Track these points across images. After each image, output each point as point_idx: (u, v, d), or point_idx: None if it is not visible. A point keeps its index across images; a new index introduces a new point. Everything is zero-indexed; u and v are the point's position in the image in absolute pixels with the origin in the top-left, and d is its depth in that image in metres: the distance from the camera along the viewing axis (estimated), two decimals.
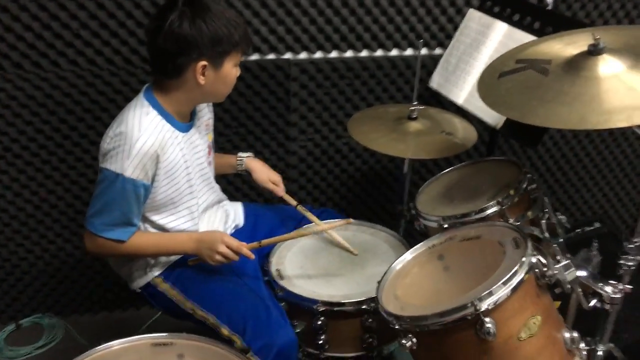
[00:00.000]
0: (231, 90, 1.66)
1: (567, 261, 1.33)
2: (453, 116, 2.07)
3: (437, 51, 2.36)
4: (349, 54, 2.32)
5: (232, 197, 2.04)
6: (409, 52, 2.37)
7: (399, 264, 1.53)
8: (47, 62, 2.08)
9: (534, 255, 1.28)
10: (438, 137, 1.92)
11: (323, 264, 1.83)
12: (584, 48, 1.37)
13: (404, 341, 1.31)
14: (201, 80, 1.54)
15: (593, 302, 1.41)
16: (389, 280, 1.50)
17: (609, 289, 1.40)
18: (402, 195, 2.22)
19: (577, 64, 1.35)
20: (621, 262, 1.47)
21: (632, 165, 2.82)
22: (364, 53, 2.34)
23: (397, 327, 1.33)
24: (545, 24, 1.87)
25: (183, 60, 1.51)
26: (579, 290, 1.38)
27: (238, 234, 1.89)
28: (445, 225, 1.63)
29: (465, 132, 1.96)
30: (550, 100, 1.30)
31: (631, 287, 1.42)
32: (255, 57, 2.25)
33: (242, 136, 2.36)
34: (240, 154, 2.00)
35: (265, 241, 1.70)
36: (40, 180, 2.25)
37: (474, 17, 2.14)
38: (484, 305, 1.21)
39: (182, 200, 1.68)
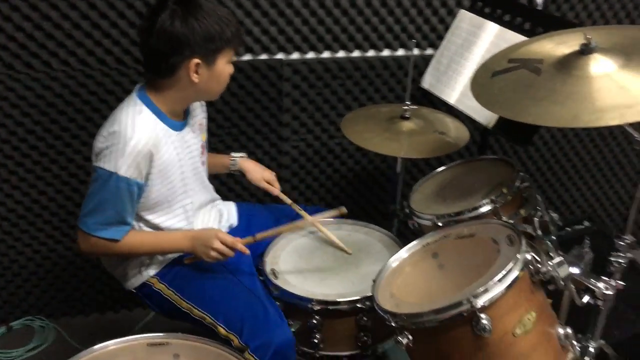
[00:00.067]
0: (225, 89, 1.66)
1: (561, 258, 1.34)
2: (445, 116, 2.09)
3: (429, 51, 2.38)
4: (341, 54, 2.33)
5: (225, 198, 2.03)
6: (400, 52, 2.39)
7: (394, 261, 1.54)
8: (39, 62, 2.06)
9: (528, 252, 1.30)
10: (431, 137, 1.93)
11: (317, 263, 1.83)
12: (576, 48, 1.39)
13: (400, 338, 1.31)
14: (195, 78, 1.54)
15: (586, 299, 1.43)
16: (385, 278, 1.51)
17: (601, 285, 1.41)
18: (395, 195, 2.24)
19: (569, 63, 1.37)
20: (612, 259, 1.49)
21: (620, 165, 2.86)
22: (356, 53, 2.35)
23: (393, 324, 1.33)
24: (536, 24, 1.89)
25: (176, 59, 1.51)
26: (572, 286, 1.39)
27: (232, 233, 1.87)
28: (440, 224, 1.64)
29: (457, 132, 1.98)
30: (543, 99, 1.31)
31: (623, 283, 1.44)
32: (247, 57, 2.25)
33: (234, 136, 2.36)
34: (233, 154, 2.00)
35: (259, 235, 1.71)
36: (32, 181, 2.24)
37: (465, 18, 2.16)
38: (480, 302, 1.22)
39: (176, 199, 1.68)
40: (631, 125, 1.37)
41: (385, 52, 2.37)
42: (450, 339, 1.28)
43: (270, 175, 1.98)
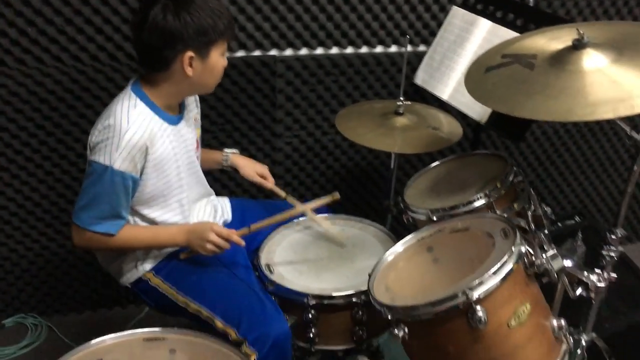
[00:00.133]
0: (219, 82, 1.66)
1: (554, 251, 1.36)
2: (438, 111, 2.10)
3: (421, 48, 2.39)
4: (334, 50, 2.34)
5: (218, 194, 2.03)
6: (393, 48, 2.40)
7: (389, 255, 1.55)
8: (31, 58, 2.05)
9: (523, 244, 1.31)
10: (424, 132, 1.94)
11: (312, 258, 1.84)
12: (568, 43, 1.40)
13: (396, 331, 1.32)
14: (189, 71, 1.54)
15: (579, 291, 1.45)
16: (380, 272, 1.51)
17: (594, 277, 1.43)
18: (389, 191, 2.24)
19: (562, 59, 1.39)
20: (604, 252, 1.51)
21: (611, 161, 2.89)
22: (349, 50, 2.35)
23: (389, 317, 1.34)
24: (528, 20, 1.91)
25: (169, 52, 1.51)
26: (565, 279, 1.41)
27: (227, 228, 1.89)
28: (434, 218, 1.65)
29: (450, 127, 1.99)
30: (537, 94, 1.33)
31: (615, 275, 1.46)
32: (240, 53, 2.25)
33: (228, 133, 2.36)
34: (225, 149, 2.00)
35: (254, 225, 1.71)
36: (24, 178, 2.23)
37: (458, 14, 2.17)
38: (475, 294, 1.23)
39: (171, 193, 1.67)
40: (623, 119, 1.39)
41: (378, 49, 2.38)
42: (446, 331, 1.29)
43: (263, 169, 1.99)
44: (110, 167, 1.49)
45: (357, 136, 1.92)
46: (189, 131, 1.73)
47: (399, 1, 2.31)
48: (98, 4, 2.03)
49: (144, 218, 1.66)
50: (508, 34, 1.90)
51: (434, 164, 1.97)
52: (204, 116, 1.97)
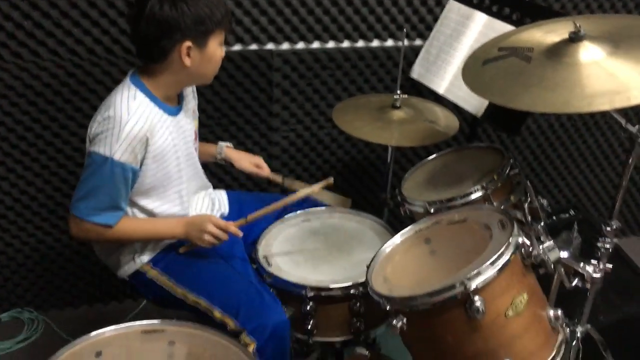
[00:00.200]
0: (217, 72, 1.66)
1: (551, 242, 1.37)
2: (435, 105, 2.11)
3: (418, 42, 2.40)
4: (330, 44, 2.34)
5: (215, 188, 2.03)
6: (390, 43, 2.40)
7: (387, 247, 1.56)
8: (27, 51, 2.05)
9: (520, 235, 1.32)
10: (421, 125, 1.95)
11: (310, 251, 1.84)
12: (565, 36, 1.41)
13: (394, 322, 1.33)
14: (187, 61, 1.54)
15: (575, 282, 1.46)
16: (378, 263, 1.52)
17: (590, 268, 1.44)
18: (385, 184, 2.25)
19: (559, 51, 1.39)
20: (599, 244, 1.52)
21: (605, 155, 2.90)
22: (346, 44, 2.36)
23: (387, 308, 1.35)
24: (524, 14, 1.92)
25: (167, 42, 1.51)
26: (562, 270, 1.42)
27: None
28: (432, 210, 1.66)
29: (447, 121, 2.00)
30: (534, 86, 1.33)
31: (611, 265, 1.47)
32: (237, 47, 2.25)
33: (224, 127, 2.36)
34: (220, 143, 2.01)
35: (251, 216, 1.72)
36: (20, 172, 2.22)
37: (454, 8, 2.18)
38: (473, 284, 1.24)
39: (171, 184, 1.68)
40: (618, 112, 1.40)
41: (375, 43, 2.39)
42: (444, 321, 1.30)
43: (257, 159, 2.00)
44: (110, 158, 1.49)
45: (354, 129, 1.93)
46: (187, 122, 1.73)
47: None
48: None
49: (142, 209, 1.66)
50: (504, 27, 1.90)
51: (431, 157, 1.98)
52: (200, 110, 1.97)
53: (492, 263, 1.27)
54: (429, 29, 2.31)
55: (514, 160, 1.71)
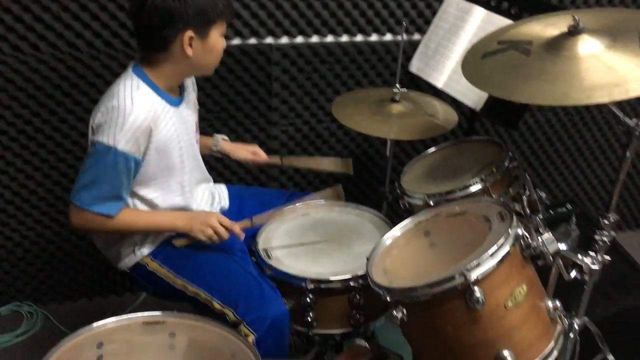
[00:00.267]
0: (218, 63, 1.67)
1: (549, 234, 1.38)
2: (433, 99, 2.12)
3: (416, 36, 2.40)
4: (329, 38, 2.35)
5: (214, 182, 2.04)
6: (388, 37, 2.41)
7: (387, 239, 1.57)
8: (27, 44, 2.05)
9: (519, 227, 1.33)
10: (420, 119, 1.96)
11: (309, 244, 1.85)
12: (564, 29, 1.42)
13: (395, 313, 1.34)
14: (189, 51, 1.55)
15: (573, 274, 1.47)
16: (378, 255, 1.53)
17: (588, 260, 1.45)
18: (384, 178, 2.26)
19: (558, 44, 1.40)
20: (596, 237, 1.53)
21: (602, 150, 2.92)
22: (345, 38, 2.36)
23: (388, 299, 1.36)
24: (522, 9, 1.92)
25: (169, 32, 1.51)
26: (560, 262, 1.43)
27: (224, 215, 1.90)
28: (431, 203, 1.67)
29: (446, 114, 2.01)
30: (533, 79, 1.34)
31: (609, 258, 1.48)
32: (237, 41, 2.25)
33: (223, 121, 2.37)
34: (215, 135, 2.02)
35: (256, 218, 1.75)
36: (19, 165, 2.23)
37: (452, 3, 2.18)
38: (473, 275, 1.25)
39: (173, 174, 1.68)
40: (616, 105, 1.41)
41: (374, 37, 2.39)
42: (444, 312, 1.31)
43: (253, 146, 2.02)
44: (113, 147, 1.50)
45: (353, 123, 1.94)
46: (189, 114, 1.73)
47: None
48: None
49: (143, 200, 1.67)
50: (502, 22, 1.91)
51: (430, 150, 1.99)
52: (199, 104, 1.97)
53: (492, 254, 1.27)
54: (428, 23, 2.32)
55: (512, 154, 1.72)
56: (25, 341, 2.34)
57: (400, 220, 1.62)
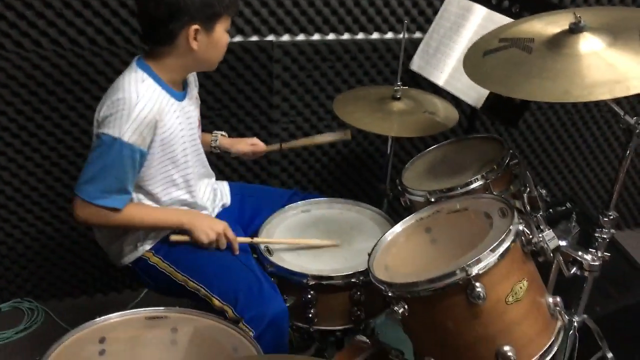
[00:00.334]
0: (222, 58, 1.68)
1: (550, 231, 1.39)
2: (434, 97, 2.13)
3: (417, 35, 2.41)
4: (331, 36, 2.35)
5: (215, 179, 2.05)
6: (389, 35, 2.41)
7: (388, 236, 1.57)
8: (29, 41, 2.05)
9: (520, 223, 1.34)
10: (421, 117, 1.97)
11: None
12: (565, 27, 1.42)
13: (396, 308, 1.34)
14: (194, 45, 1.56)
15: (573, 270, 1.48)
16: (380, 251, 1.54)
17: (588, 257, 1.46)
18: (384, 176, 2.27)
19: (559, 42, 1.41)
20: (596, 234, 1.54)
21: (601, 149, 2.93)
22: (346, 36, 2.37)
23: (389, 294, 1.37)
24: (523, 7, 1.93)
25: (175, 25, 1.52)
26: (561, 258, 1.44)
27: (225, 213, 1.91)
28: (432, 199, 1.67)
29: (446, 112, 2.02)
30: (535, 76, 1.35)
31: (609, 254, 1.49)
32: (238, 38, 2.26)
33: (225, 118, 2.37)
34: (214, 131, 2.03)
35: (257, 239, 1.80)
36: (21, 162, 2.23)
37: (454, 1, 2.19)
38: (475, 270, 1.25)
39: (177, 168, 1.69)
40: (616, 103, 1.42)
41: (375, 35, 2.40)
42: (445, 307, 1.31)
43: (251, 139, 2.03)
44: (119, 139, 1.50)
45: (354, 120, 1.94)
46: (192, 109, 1.74)
47: None
48: None
49: (147, 194, 1.67)
50: (503, 20, 1.92)
51: (431, 148, 2.00)
52: (201, 101, 1.98)
53: (493, 250, 1.28)
54: (429, 22, 2.32)
55: (513, 151, 1.73)
56: (25, 337, 2.34)
57: (401, 218, 1.63)
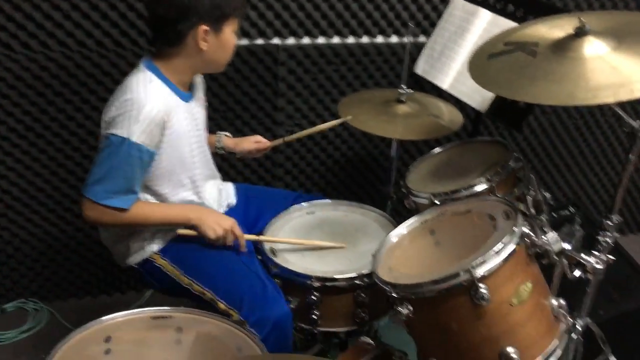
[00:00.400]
0: (229, 60, 1.69)
1: (554, 233, 1.40)
2: (439, 100, 2.13)
3: (422, 39, 2.43)
4: (336, 40, 2.37)
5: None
6: (394, 39, 2.43)
7: (393, 237, 1.58)
8: (36, 42, 2.07)
9: (525, 225, 1.34)
10: (426, 120, 1.98)
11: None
12: (570, 31, 1.43)
13: (400, 309, 1.35)
14: (203, 45, 1.57)
15: (577, 273, 1.48)
16: (384, 253, 1.54)
17: (592, 259, 1.47)
18: (388, 179, 2.28)
19: (564, 46, 1.42)
20: (600, 238, 1.54)
21: (604, 153, 2.93)
22: (351, 39, 2.38)
23: (394, 295, 1.37)
24: (528, 12, 1.94)
25: (184, 26, 1.53)
26: (565, 261, 1.44)
27: (230, 213, 1.92)
28: (437, 202, 1.68)
29: (451, 115, 2.03)
30: (540, 79, 1.36)
31: (613, 257, 1.49)
32: (244, 41, 2.27)
33: (230, 121, 2.38)
34: (218, 132, 2.04)
35: (264, 237, 1.80)
36: (27, 163, 2.24)
37: (458, 5, 2.20)
38: (479, 272, 1.26)
39: (184, 169, 1.70)
40: (620, 108, 1.43)
41: (379, 39, 2.41)
42: (449, 308, 1.32)
43: (254, 136, 2.04)
44: (128, 139, 1.51)
45: (359, 123, 1.96)
46: (199, 110, 1.75)
47: None
48: None
49: (154, 194, 1.68)
50: (508, 24, 1.93)
51: (435, 151, 2.01)
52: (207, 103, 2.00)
53: (498, 252, 1.29)
54: (433, 25, 2.34)
55: (517, 154, 1.74)
56: (30, 337, 2.35)
57: (404, 221, 1.64)
